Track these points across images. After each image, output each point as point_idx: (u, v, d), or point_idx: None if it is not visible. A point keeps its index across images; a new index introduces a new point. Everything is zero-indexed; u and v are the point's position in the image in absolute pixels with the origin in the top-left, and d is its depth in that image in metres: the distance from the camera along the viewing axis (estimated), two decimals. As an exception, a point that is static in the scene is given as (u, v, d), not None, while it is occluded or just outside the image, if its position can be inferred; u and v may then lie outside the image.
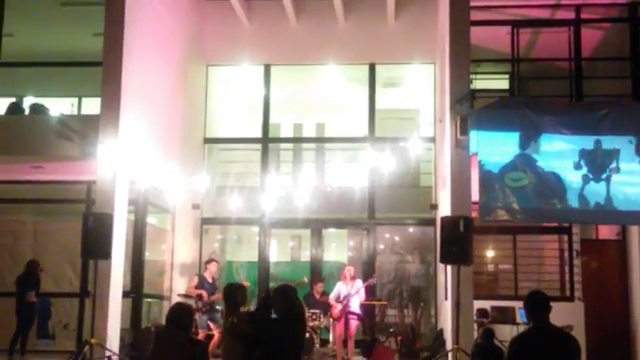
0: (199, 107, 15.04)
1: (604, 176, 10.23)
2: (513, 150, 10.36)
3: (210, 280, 12.05)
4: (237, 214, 13.83)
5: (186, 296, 12.00)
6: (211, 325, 11.67)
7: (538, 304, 5.48)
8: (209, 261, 12.45)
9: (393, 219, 15.07)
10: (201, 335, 11.28)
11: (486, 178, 10.28)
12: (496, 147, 10.40)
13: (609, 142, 10.32)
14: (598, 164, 10.25)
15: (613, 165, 10.26)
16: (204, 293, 11.72)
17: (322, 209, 14.36)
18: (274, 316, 6.04)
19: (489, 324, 11.40)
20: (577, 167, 10.24)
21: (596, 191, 10.24)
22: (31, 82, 14.09)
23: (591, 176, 10.25)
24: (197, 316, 11.14)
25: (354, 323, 12.02)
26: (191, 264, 14.01)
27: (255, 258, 14.86)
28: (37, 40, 13.75)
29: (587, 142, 10.30)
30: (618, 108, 10.52)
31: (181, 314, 5.87)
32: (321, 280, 13.23)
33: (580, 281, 12.93)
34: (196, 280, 12.02)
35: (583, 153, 10.27)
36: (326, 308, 12.28)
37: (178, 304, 6.37)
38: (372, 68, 15.01)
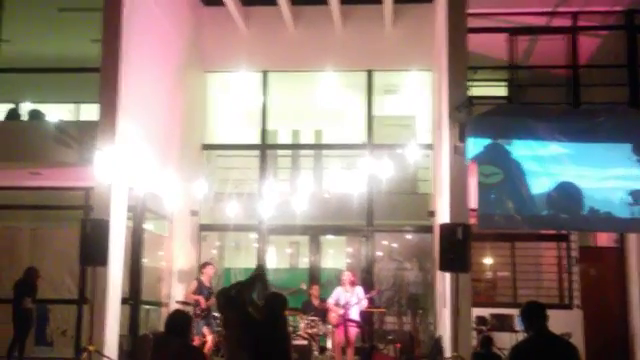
0: (197, 113, 15.03)
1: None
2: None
3: (208, 284, 11.98)
4: (235, 221, 13.82)
5: (184, 303, 11.94)
6: (205, 331, 11.60)
7: (536, 313, 5.50)
8: (205, 265, 12.27)
9: (391, 226, 15.07)
10: (196, 341, 11.19)
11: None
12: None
13: (605, 148, 10.27)
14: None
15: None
16: (202, 299, 11.64)
17: (320, 216, 14.38)
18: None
19: (488, 332, 11.40)
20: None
21: (594, 198, 10.20)
22: (29, 88, 14.05)
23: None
24: (195, 322, 11.07)
25: (353, 330, 11.98)
26: (189, 271, 13.97)
27: (253, 265, 14.78)
28: (35, 46, 13.71)
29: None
30: (615, 115, 10.52)
31: (179, 321, 5.88)
32: (316, 283, 13.22)
33: (579, 288, 12.94)
34: (195, 285, 11.90)
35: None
36: (325, 315, 12.24)
37: (176, 311, 6.38)
38: (370, 75, 15.02)
